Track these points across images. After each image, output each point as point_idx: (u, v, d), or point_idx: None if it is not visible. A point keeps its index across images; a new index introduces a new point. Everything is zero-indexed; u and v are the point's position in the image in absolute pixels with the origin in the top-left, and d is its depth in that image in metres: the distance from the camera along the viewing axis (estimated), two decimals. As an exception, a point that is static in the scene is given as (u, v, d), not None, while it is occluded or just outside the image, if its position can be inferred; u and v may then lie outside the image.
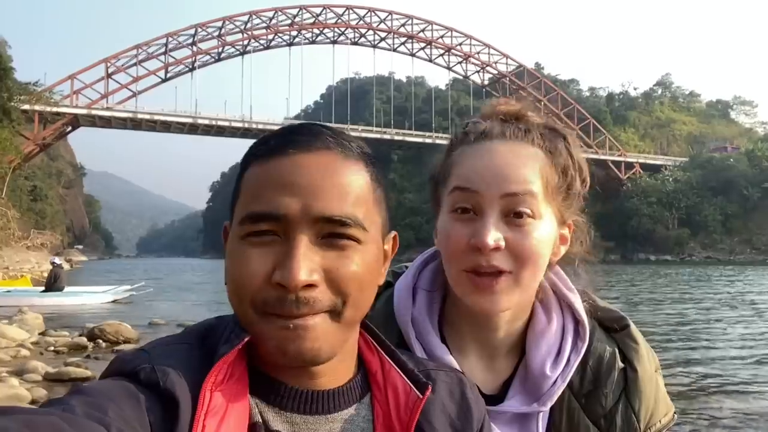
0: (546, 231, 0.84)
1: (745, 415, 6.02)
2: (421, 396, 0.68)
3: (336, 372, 0.67)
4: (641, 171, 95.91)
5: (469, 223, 0.83)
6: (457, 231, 0.84)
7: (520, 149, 0.85)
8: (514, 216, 0.82)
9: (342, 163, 0.63)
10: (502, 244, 0.81)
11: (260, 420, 0.62)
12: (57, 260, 18.32)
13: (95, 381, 0.59)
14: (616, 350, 0.91)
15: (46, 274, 19.04)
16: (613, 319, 0.94)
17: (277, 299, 0.60)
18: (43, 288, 16.77)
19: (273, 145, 0.64)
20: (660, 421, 0.90)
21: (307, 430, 0.64)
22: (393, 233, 0.72)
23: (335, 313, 0.62)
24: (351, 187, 0.63)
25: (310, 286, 0.60)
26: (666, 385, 0.93)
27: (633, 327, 0.93)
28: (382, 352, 0.73)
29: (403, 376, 0.70)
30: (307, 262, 0.60)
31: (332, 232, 0.61)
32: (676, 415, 0.93)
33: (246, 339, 0.61)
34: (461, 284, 0.85)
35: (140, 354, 0.61)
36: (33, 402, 5.94)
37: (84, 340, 9.66)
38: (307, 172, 0.62)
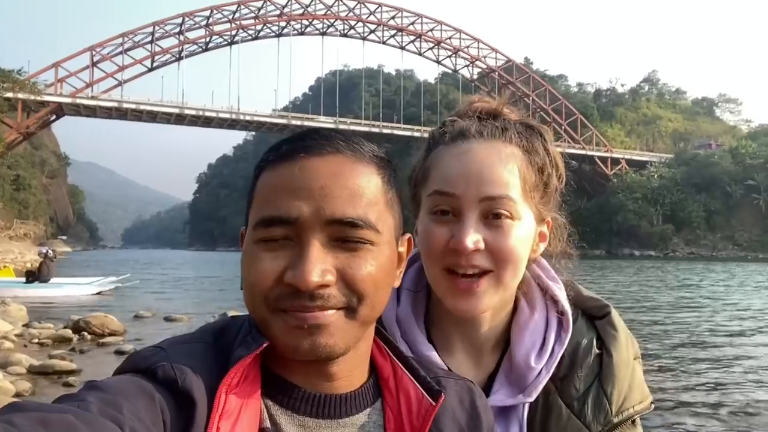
0: (524, 231, 0.85)
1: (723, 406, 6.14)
2: (434, 403, 0.68)
3: (350, 376, 0.67)
4: (627, 167, 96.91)
5: (448, 224, 0.84)
6: (436, 232, 0.85)
7: (497, 149, 0.85)
8: (492, 217, 0.83)
9: (353, 167, 0.64)
10: (482, 245, 0.82)
11: (270, 424, 0.63)
12: (48, 250, 17.53)
13: (110, 377, 0.59)
14: (595, 337, 0.92)
15: (29, 265, 18.70)
16: (596, 308, 0.95)
17: (290, 294, 0.60)
18: (25, 279, 16.56)
19: (284, 151, 0.65)
20: (633, 407, 0.89)
21: None
22: (407, 235, 0.72)
23: (350, 310, 0.62)
24: (362, 190, 0.63)
25: (323, 286, 0.60)
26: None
27: (614, 314, 0.94)
28: (395, 358, 0.73)
29: (416, 382, 0.70)
30: (320, 264, 0.60)
31: (345, 235, 0.62)
32: (652, 405, 0.93)
33: (265, 344, 0.62)
34: (441, 285, 0.86)
35: (158, 351, 0.61)
36: (17, 395, 5.90)
37: (69, 332, 9.60)
38: (318, 175, 0.62)
